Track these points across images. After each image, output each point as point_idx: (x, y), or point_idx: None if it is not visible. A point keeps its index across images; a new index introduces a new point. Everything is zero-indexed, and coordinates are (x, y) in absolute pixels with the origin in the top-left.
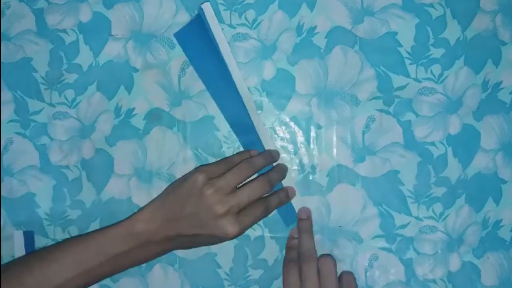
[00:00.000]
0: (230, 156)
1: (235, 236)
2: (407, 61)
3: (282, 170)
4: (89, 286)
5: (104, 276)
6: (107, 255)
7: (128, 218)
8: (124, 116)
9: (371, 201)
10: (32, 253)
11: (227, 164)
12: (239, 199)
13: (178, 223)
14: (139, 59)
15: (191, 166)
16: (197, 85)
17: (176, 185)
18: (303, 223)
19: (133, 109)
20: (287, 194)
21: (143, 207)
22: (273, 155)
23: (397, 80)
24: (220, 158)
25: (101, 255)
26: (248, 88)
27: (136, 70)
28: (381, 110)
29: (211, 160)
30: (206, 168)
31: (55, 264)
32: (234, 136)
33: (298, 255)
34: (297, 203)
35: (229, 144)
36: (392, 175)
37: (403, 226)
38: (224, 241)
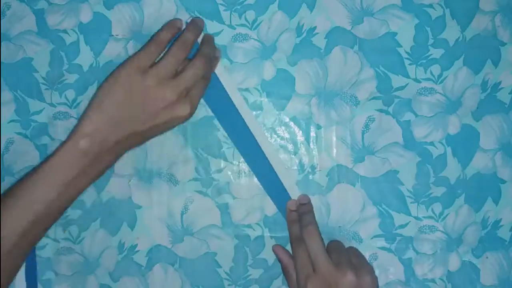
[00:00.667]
0: (156, 34)
1: (191, 114)
2: (407, 62)
3: (211, 41)
4: (57, 219)
5: (68, 204)
6: (62, 183)
7: (70, 135)
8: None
9: (371, 201)
10: None
11: (156, 45)
12: (186, 82)
13: (128, 123)
14: None
15: (191, 166)
16: None
17: (110, 86)
18: (303, 207)
19: None
20: (218, 55)
21: (80, 120)
22: (199, 24)
23: (397, 80)
24: (221, 159)
25: (56, 186)
26: (248, 89)
27: None
28: (380, 110)
29: (212, 160)
30: (136, 58)
31: (10, 212)
32: (233, 138)
33: (301, 229)
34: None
35: (229, 144)
36: (391, 175)
37: (403, 226)
38: (182, 122)
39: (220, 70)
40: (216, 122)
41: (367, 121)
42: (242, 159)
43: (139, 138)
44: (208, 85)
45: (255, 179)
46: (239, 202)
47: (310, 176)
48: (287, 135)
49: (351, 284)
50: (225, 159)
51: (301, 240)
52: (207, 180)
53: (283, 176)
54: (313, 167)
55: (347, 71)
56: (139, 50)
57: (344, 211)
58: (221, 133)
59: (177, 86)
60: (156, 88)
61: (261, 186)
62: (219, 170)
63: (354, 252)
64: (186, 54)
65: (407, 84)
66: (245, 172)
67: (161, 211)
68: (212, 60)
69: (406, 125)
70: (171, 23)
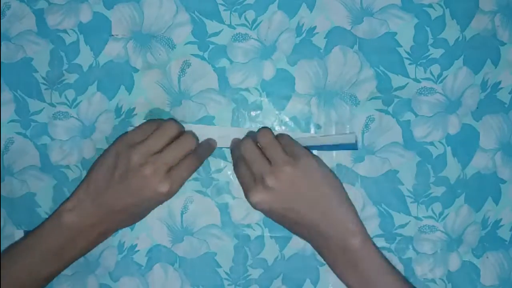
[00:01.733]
0: (164, 122)
1: (169, 193)
2: (407, 61)
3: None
4: (47, 283)
5: (55, 274)
6: (48, 252)
7: (56, 210)
8: (124, 116)
9: (371, 201)
10: None
11: (152, 129)
12: (165, 157)
13: (106, 198)
14: (139, 59)
15: None
16: (197, 85)
17: (99, 161)
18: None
19: (134, 109)
20: (214, 141)
21: (69, 196)
22: (213, 146)
23: (396, 80)
24: (221, 158)
25: (42, 253)
26: (248, 89)
27: (136, 70)
28: (380, 110)
29: (212, 160)
30: (128, 134)
31: (3, 280)
32: None
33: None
34: None
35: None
36: (391, 175)
37: (402, 226)
38: (162, 200)
39: None
40: (216, 122)
41: (367, 121)
42: None
43: (124, 216)
44: (197, 167)
45: None
46: (239, 202)
47: None
48: None
49: (289, 176)
50: (225, 159)
51: (239, 161)
52: (206, 180)
53: None
54: None
55: (347, 71)
56: (135, 127)
57: None
58: None
59: (153, 161)
60: (134, 161)
61: None
62: (219, 170)
63: (285, 141)
64: (183, 151)
65: (407, 84)
66: None
67: (160, 211)
68: (203, 146)
69: (406, 125)
70: (186, 137)
